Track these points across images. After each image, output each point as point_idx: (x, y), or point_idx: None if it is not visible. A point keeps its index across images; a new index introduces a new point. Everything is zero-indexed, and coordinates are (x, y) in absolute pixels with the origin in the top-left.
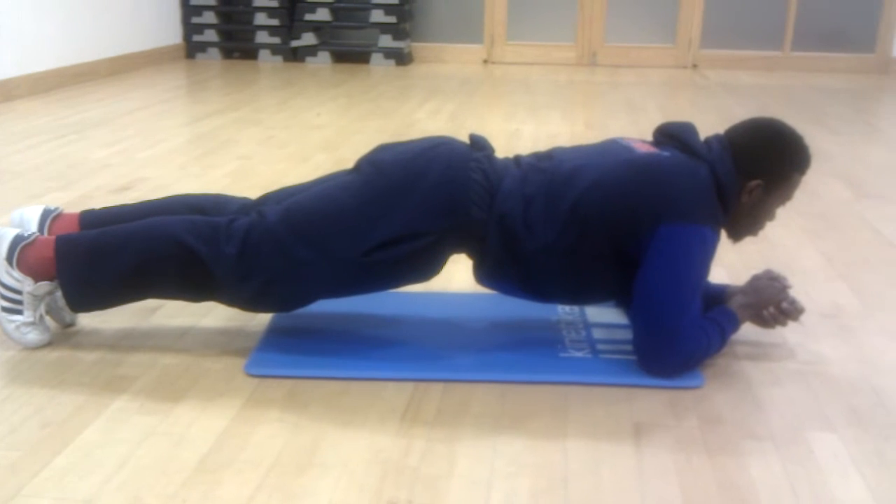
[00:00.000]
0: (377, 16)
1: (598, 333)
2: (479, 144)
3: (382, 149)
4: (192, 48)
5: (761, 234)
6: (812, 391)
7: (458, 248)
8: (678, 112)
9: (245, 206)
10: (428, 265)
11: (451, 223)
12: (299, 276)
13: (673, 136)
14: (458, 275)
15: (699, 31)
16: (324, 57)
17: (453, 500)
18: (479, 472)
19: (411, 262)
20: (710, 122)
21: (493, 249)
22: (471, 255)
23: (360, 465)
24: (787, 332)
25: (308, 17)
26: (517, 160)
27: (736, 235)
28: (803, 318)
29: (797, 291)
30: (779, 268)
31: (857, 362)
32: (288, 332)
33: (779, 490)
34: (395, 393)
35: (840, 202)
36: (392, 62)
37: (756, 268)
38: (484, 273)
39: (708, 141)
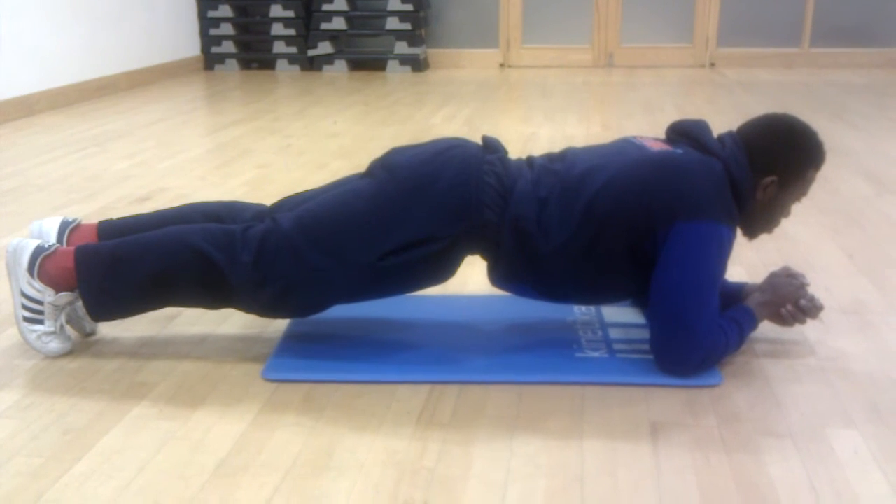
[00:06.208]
0: (392, 23)
1: (614, 333)
2: (492, 146)
3: (395, 152)
4: (210, 60)
5: (780, 231)
6: (832, 388)
7: (472, 251)
8: (696, 111)
9: (260, 212)
10: (443, 268)
11: (465, 226)
12: (315, 282)
13: (686, 133)
14: (473, 277)
15: (716, 29)
16: (340, 65)
17: (469, 501)
18: (495, 473)
19: (426, 265)
20: (729, 121)
21: (508, 251)
22: (485, 256)
23: (377, 467)
24: (807, 329)
25: (324, 26)
26: (530, 161)
27: (751, 232)
28: (823, 314)
29: (817, 288)
30: (799, 265)
31: (879, 358)
32: (304, 337)
33: (799, 488)
34: (411, 395)
35: (861, 198)
36: (408, 69)
37: (775, 265)
38: (498, 275)
39: (721, 138)
